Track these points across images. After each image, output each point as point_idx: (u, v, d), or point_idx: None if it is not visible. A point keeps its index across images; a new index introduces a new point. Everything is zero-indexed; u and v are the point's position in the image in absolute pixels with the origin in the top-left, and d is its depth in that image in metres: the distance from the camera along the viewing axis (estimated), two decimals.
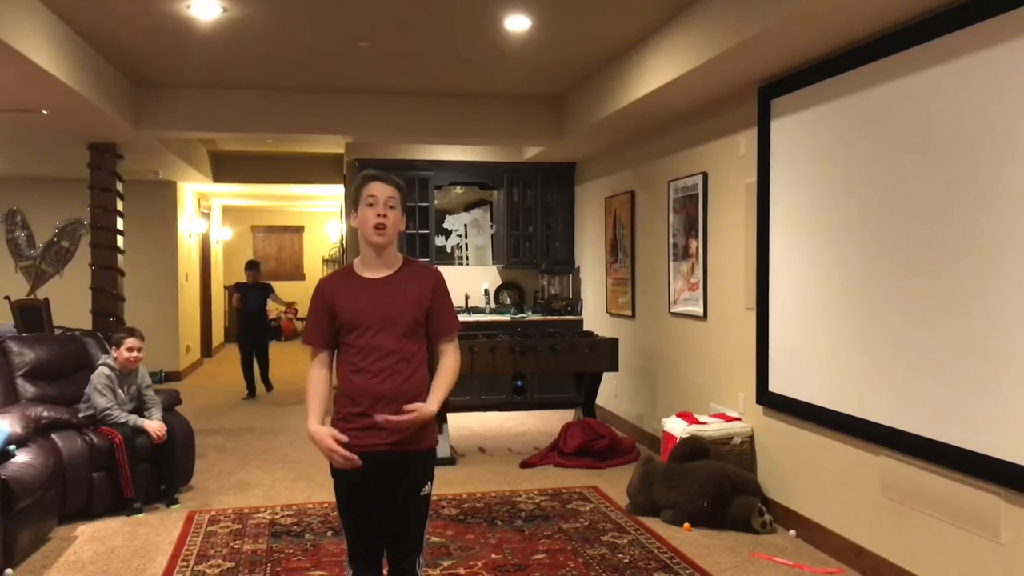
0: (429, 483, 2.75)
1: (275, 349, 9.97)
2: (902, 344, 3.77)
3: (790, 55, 4.40)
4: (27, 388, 5.27)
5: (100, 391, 5.11)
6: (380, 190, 2.68)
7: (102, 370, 5.20)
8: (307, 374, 2.78)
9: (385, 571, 2.81)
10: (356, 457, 2.60)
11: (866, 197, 4.03)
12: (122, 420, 5.09)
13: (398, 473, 2.67)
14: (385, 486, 2.67)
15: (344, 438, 2.62)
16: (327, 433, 2.62)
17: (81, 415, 5.13)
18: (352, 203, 2.76)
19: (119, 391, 5.21)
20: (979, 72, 3.33)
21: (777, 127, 4.80)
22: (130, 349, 5.23)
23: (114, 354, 5.27)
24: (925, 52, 3.61)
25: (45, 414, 4.92)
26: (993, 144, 3.26)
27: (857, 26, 3.87)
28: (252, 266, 9.87)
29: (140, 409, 5.31)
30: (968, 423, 3.38)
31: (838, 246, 4.26)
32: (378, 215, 2.66)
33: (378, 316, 2.66)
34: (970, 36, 3.36)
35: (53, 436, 4.90)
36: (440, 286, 2.78)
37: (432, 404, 2.68)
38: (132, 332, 5.34)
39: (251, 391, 9.44)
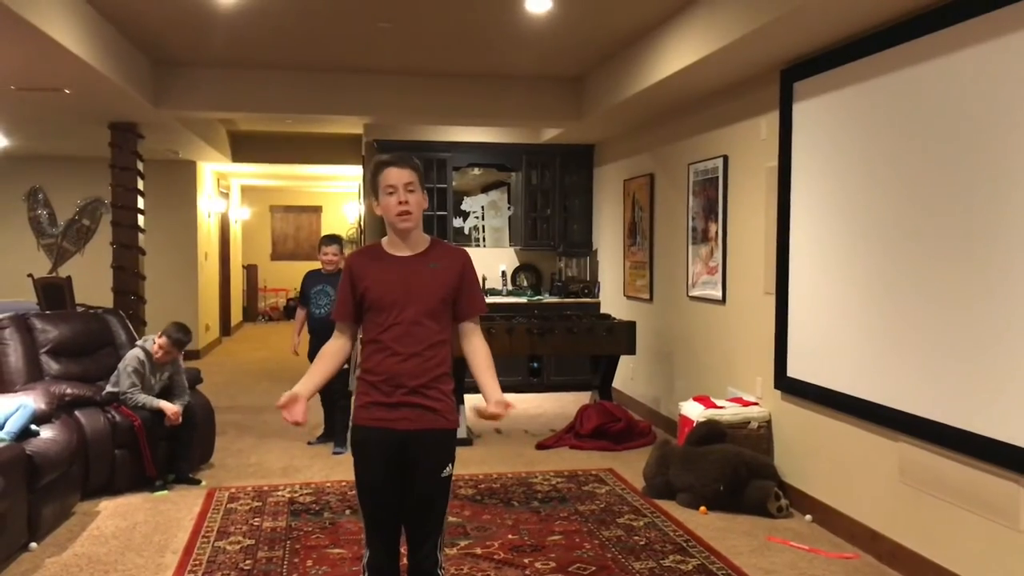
0: (450, 465, 2.75)
1: None
2: (922, 330, 3.75)
3: (813, 38, 4.35)
4: (51, 365, 5.33)
5: (128, 373, 5.14)
6: (397, 176, 2.67)
7: (137, 353, 5.21)
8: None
9: (403, 549, 2.83)
10: (294, 422, 2.68)
11: (889, 182, 4.00)
12: (140, 403, 5.11)
13: (420, 452, 2.68)
14: (406, 466, 2.68)
15: (300, 420, 2.69)
16: (292, 397, 2.67)
17: (105, 392, 5.19)
18: (370, 189, 2.75)
19: (148, 377, 5.23)
20: (1007, 56, 3.28)
21: (799, 110, 4.75)
22: (162, 347, 5.20)
23: (158, 342, 5.24)
24: (952, 35, 3.56)
25: (69, 391, 5.00)
26: (1021, 129, 3.21)
27: (882, 8, 3.81)
28: (333, 240, 6.40)
29: (166, 395, 5.32)
30: (988, 410, 3.37)
31: (859, 231, 4.23)
32: (400, 202, 2.66)
33: (403, 294, 2.67)
34: (998, 19, 3.30)
35: (76, 413, 4.97)
36: (469, 268, 2.79)
37: (498, 391, 2.74)
38: (178, 336, 5.25)
39: (329, 431, 6.36)
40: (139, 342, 5.38)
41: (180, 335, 5.27)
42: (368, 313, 2.72)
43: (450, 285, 2.73)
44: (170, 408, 5.16)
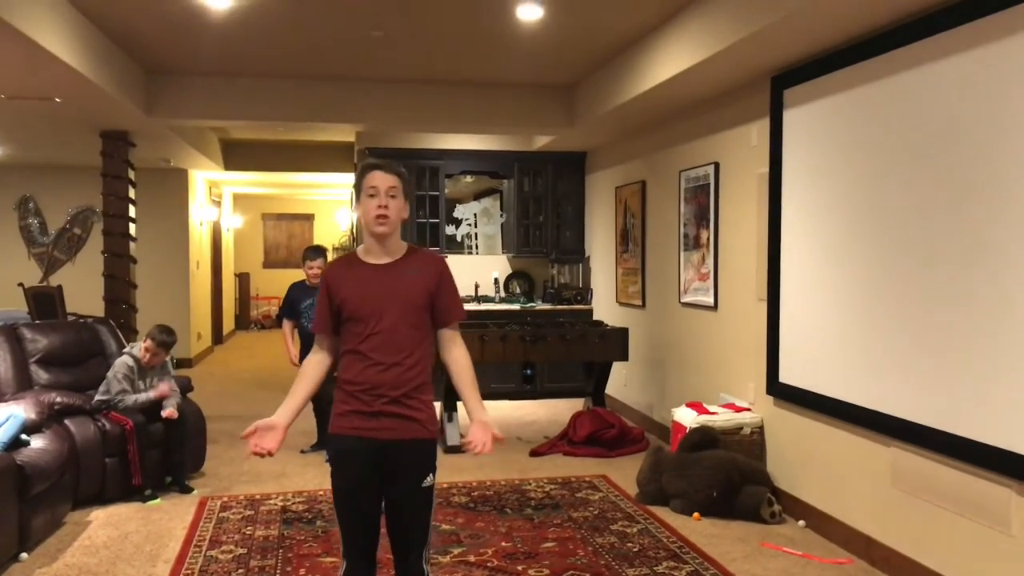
0: (431, 475, 2.71)
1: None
2: (914, 335, 3.76)
3: (803, 45, 4.38)
4: (40, 374, 5.32)
5: (119, 379, 5.15)
6: (381, 180, 2.66)
7: (125, 359, 5.24)
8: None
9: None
10: (263, 451, 2.63)
11: (879, 188, 4.02)
12: (132, 402, 5.12)
13: (400, 462, 2.65)
14: (385, 476, 2.65)
15: (272, 450, 2.65)
16: (268, 426, 2.65)
17: (96, 400, 5.17)
18: (355, 191, 2.75)
19: (138, 382, 5.24)
20: (997, 62, 3.30)
21: (790, 117, 4.78)
22: (148, 350, 5.22)
23: (143, 345, 5.28)
24: (942, 42, 3.58)
25: (59, 399, 4.98)
26: (1010, 135, 3.23)
27: (872, 15, 3.84)
28: (318, 252, 6.39)
29: (158, 401, 5.31)
30: (981, 415, 3.38)
31: (850, 237, 4.24)
32: (379, 206, 2.64)
33: (382, 303, 2.64)
34: (987, 26, 3.33)
35: (66, 422, 4.95)
36: (446, 274, 2.77)
37: (483, 413, 2.72)
38: (162, 337, 5.27)
39: (322, 440, 6.29)
40: (126, 349, 5.40)
41: (164, 336, 5.28)
42: (346, 324, 2.69)
43: (428, 292, 2.70)
44: (162, 390, 5.17)
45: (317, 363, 2.78)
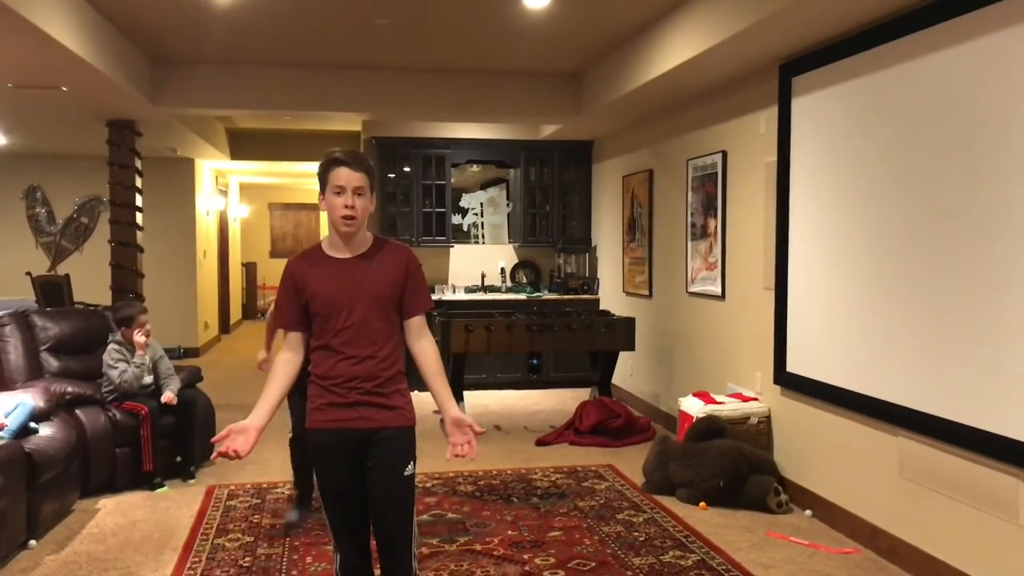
0: (411, 463, 2.68)
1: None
2: (921, 324, 3.75)
3: (812, 32, 4.35)
4: (51, 362, 5.33)
5: (112, 365, 5.17)
6: (347, 178, 2.57)
7: (112, 347, 5.25)
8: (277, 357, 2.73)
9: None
10: (231, 453, 2.50)
11: (888, 177, 3.99)
12: (130, 374, 5.12)
13: (379, 450, 2.62)
14: (363, 465, 2.63)
15: (242, 453, 2.51)
16: (241, 429, 2.54)
17: (104, 391, 5.20)
18: (320, 183, 2.65)
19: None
20: (1009, 50, 3.27)
21: (798, 105, 4.75)
22: (140, 327, 5.26)
23: (121, 333, 5.30)
24: (952, 29, 3.55)
25: (70, 390, 5.00)
26: (1021, 125, 3.20)
27: (882, 2, 3.80)
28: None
29: (157, 383, 5.35)
30: (988, 404, 3.36)
31: (858, 226, 4.22)
32: (346, 205, 2.57)
33: (350, 297, 2.61)
34: (999, 13, 3.30)
35: (77, 412, 4.97)
36: (413, 264, 2.72)
37: (455, 407, 2.70)
38: (139, 312, 5.31)
39: (304, 500, 4.60)
40: (108, 340, 5.37)
41: (138, 306, 5.38)
42: (315, 319, 2.65)
43: (396, 283, 2.66)
44: (138, 341, 5.20)
45: (287, 361, 2.69)
